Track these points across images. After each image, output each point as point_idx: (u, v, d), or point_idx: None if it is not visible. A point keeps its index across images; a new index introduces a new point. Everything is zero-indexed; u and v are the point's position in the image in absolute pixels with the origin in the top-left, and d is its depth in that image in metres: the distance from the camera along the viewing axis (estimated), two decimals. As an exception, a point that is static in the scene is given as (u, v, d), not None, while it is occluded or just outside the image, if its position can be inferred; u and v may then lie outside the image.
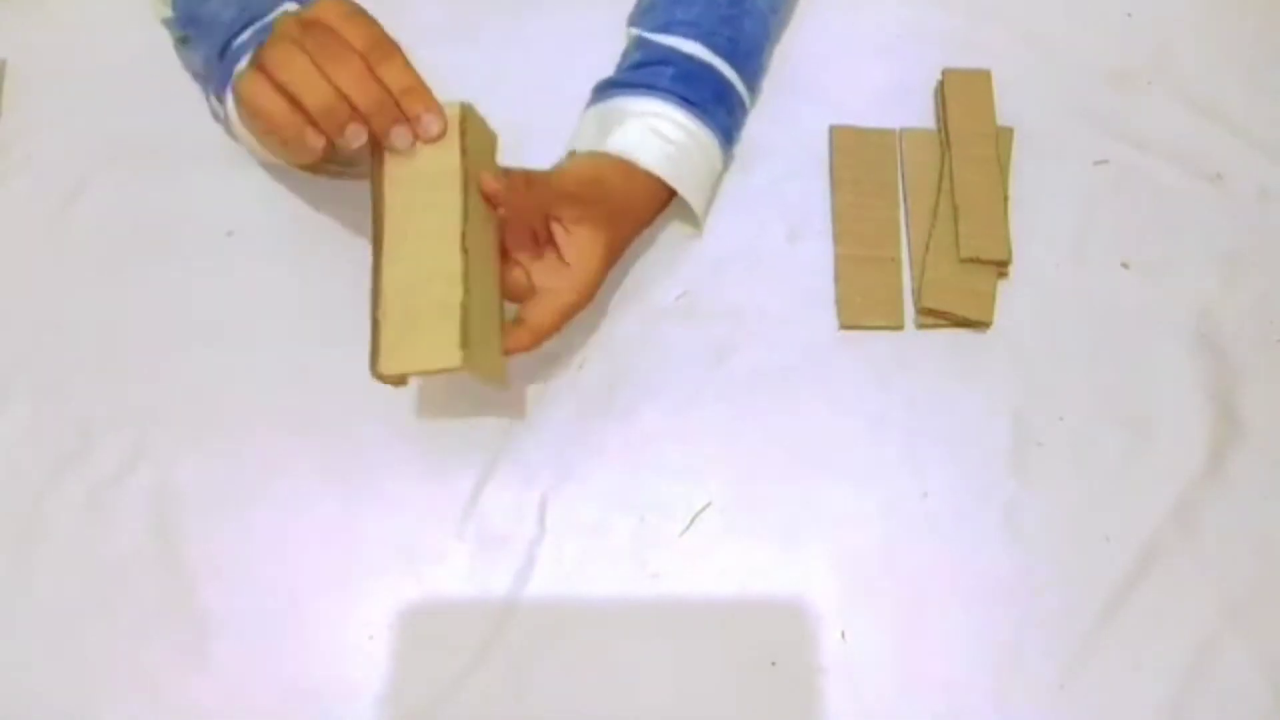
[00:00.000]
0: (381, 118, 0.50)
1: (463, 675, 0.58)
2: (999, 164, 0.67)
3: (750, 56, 0.66)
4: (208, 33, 0.62)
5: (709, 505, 0.61)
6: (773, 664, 0.58)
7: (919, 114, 0.70)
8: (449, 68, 0.70)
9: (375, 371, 0.51)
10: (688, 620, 0.59)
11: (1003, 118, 0.69)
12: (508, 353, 0.56)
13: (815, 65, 0.71)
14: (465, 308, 0.50)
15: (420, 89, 0.51)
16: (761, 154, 0.68)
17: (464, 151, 0.52)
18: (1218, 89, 0.71)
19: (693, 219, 0.65)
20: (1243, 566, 0.60)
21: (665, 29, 0.64)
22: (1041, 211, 0.67)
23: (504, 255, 0.56)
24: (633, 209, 0.62)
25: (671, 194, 0.63)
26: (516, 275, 0.57)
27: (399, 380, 0.52)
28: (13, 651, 0.58)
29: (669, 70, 0.62)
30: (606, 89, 0.64)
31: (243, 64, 0.57)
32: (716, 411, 0.63)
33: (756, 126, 0.69)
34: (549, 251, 0.58)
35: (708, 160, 0.63)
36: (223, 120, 0.62)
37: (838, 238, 0.66)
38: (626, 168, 0.60)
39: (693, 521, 0.61)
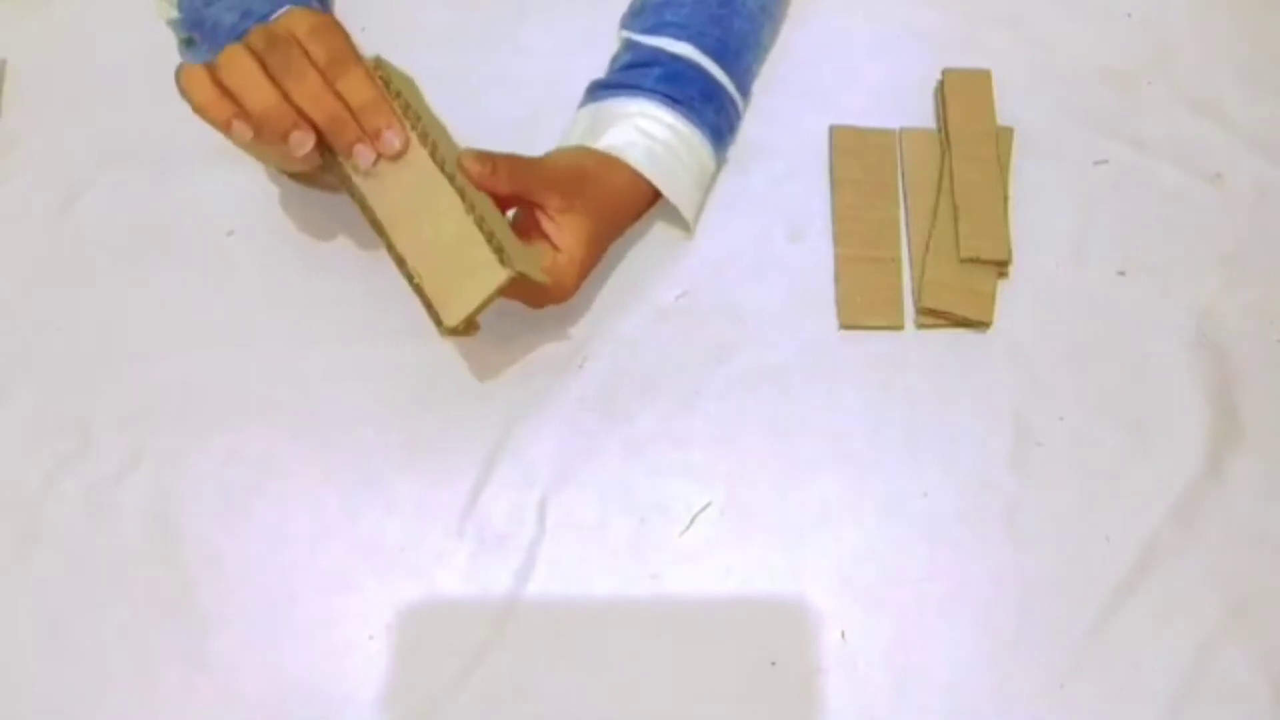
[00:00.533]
0: (338, 133, 0.50)
1: (463, 675, 0.58)
2: (999, 164, 0.67)
3: (740, 56, 0.66)
4: (210, 36, 0.62)
5: (709, 505, 0.61)
6: (773, 664, 0.58)
7: (919, 114, 0.70)
8: (449, 68, 0.70)
9: (444, 329, 0.53)
10: (688, 620, 0.59)
11: (1003, 118, 0.69)
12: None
13: (815, 65, 0.71)
14: (481, 227, 0.52)
15: (379, 104, 0.51)
16: (761, 154, 0.68)
17: (402, 103, 0.53)
18: (1218, 89, 0.71)
19: (682, 220, 0.65)
20: (1243, 566, 0.60)
21: (654, 30, 0.64)
22: (1041, 211, 0.67)
23: None
24: (618, 204, 0.62)
25: (658, 193, 0.63)
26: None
27: (469, 327, 0.53)
28: (13, 651, 0.58)
29: (655, 71, 0.63)
30: (595, 90, 0.64)
31: None
32: (716, 411, 0.63)
33: (756, 126, 0.69)
34: (536, 240, 0.58)
35: (696, 159, 0.63)
36: None
37: (838, 238, 0.66)
38: (611, 163, 0.61)
39: (693, 521, 0.61)
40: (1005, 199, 0.66)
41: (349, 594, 0.59)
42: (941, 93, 0.69)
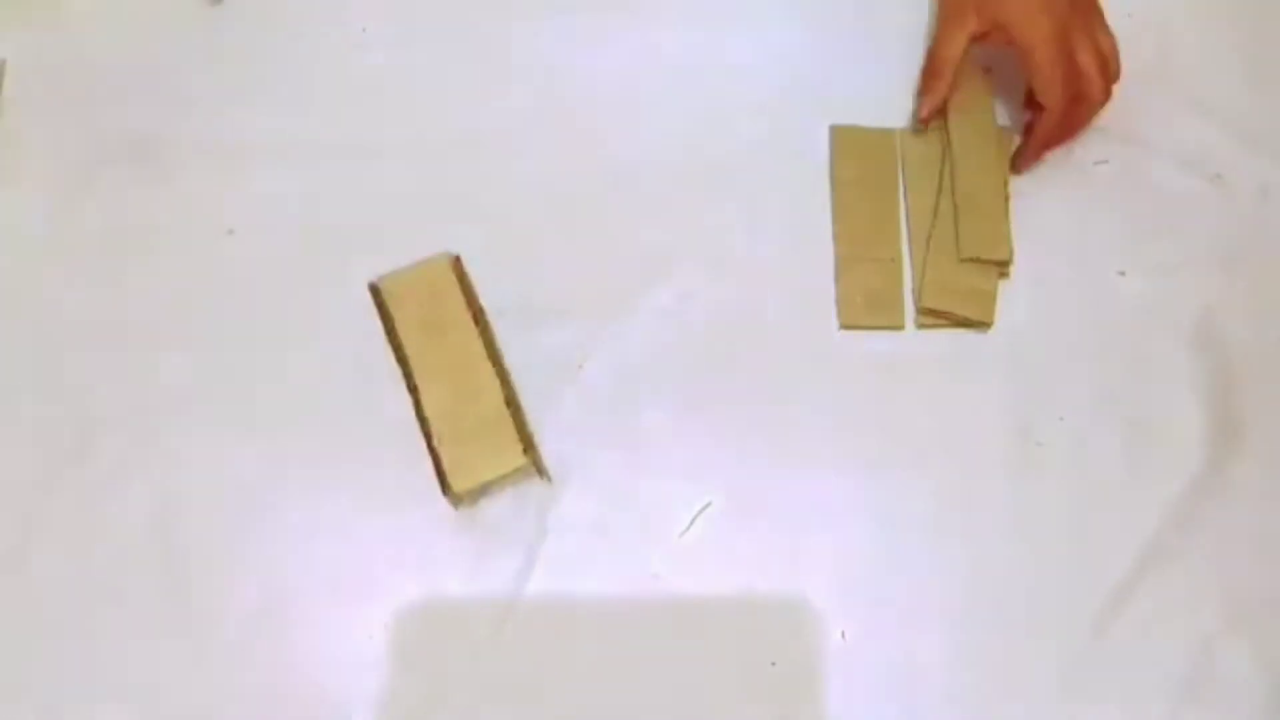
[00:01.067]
0: None
1: (463, 675, 0.58)
2: (999, 164, 0.67)
3: None
4: None
5: (709, 505, 0.61)
6: (773, 664, 0.58)
7: (919, 114, 0.70)
8: (450, 69, 0.70)
9: (450, 493, 0.59)
10: (688, 620, 0.59)
11: (1002, 117, 0.69)
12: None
13: (815, 65, 0.71)
14: (514, 413, 0.59)
15: None
16: (761, 154, 0.68)
17: (465, 292, 0.62)
18: (1218, 89, 0.71)
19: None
20: (1243, 566, 0.60)
21: None
22: (1041, 211, 0.67)
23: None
24: None
25: None
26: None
27: (472, 495, 0.59)
28: (13, 651, 0.58)
29: None
30: None
31: None
32: (716, 411, 0.63)
33: (756, 126, 0.69)
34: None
35: None
36: None
37: (838, 238, 0.66)
38: None
39: (693, 521, 0.61)
40: (1006, 199, 0.66)
41: (349, 594, 0.59)
42: None
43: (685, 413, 0.63)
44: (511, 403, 0.60)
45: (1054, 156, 0.68)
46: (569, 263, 0.66)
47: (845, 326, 0.65)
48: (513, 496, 0.61)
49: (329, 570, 0.60)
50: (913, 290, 0.65)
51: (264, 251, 0.66)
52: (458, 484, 0.58)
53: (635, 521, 0.61)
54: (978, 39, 0.63)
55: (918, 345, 0.64)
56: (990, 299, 0.64)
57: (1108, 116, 0.69)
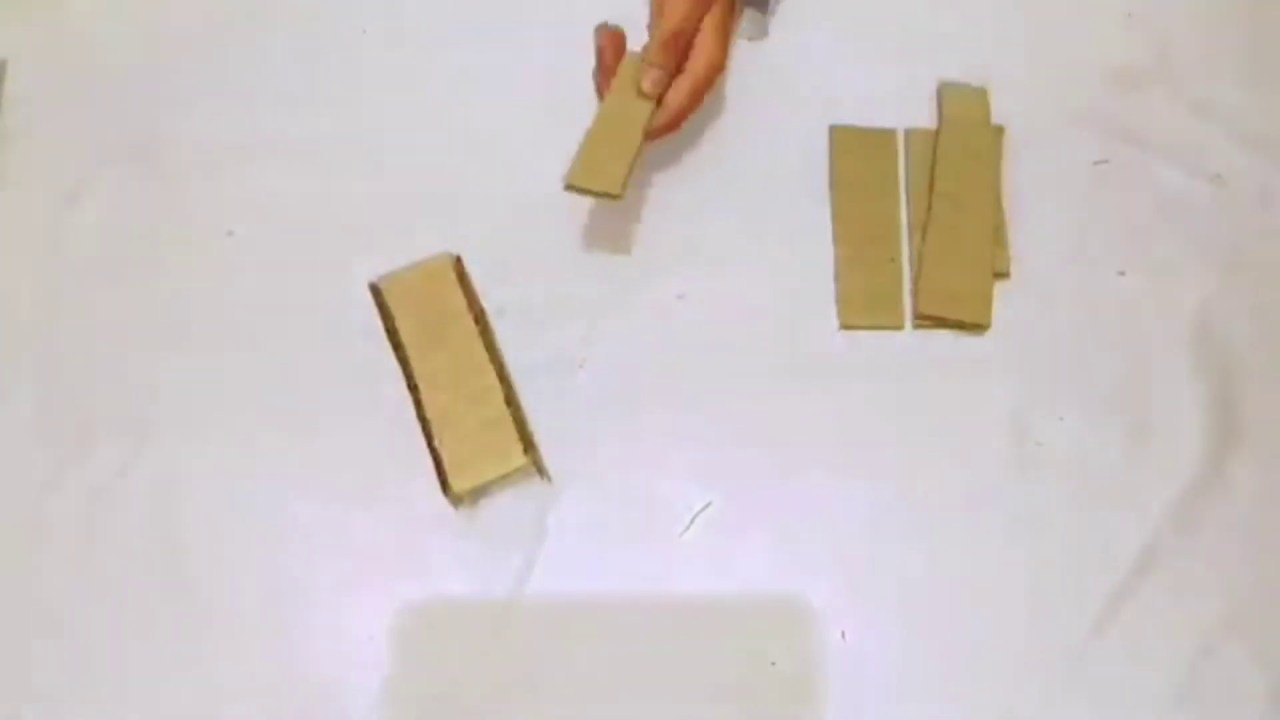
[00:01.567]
0: None
1: (463, 675, 0.58)
2: (993, 173, 0.67)
3: None
4: None
5: (709, 505, 0.61)
6: (773, 664, 0.58)
7: (919, 114, 0.70)
8: (450, 69, 0.70)
9: (450, 493, 0.59)
10: (688, 620, 0.59)
11: (1002, 117, 0.69)
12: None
13: (815, 65, 0.71)
14: (515, 415, 0.59)
15: None
16: (762, 154, 0.68)
17: (465, 292, 0.62)
18: (1218, 89, 0.71)
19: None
20: (1243, 566, 0.60)
21: None
22: (1041, 212, 0.67)
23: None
24: None
25: None
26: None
27: (472, 495, 0.60)
28: (13, 651, 0.58)
29: None
30: None
31: None
32: (717, 411, 0.63)
33: (756, 126, 0.69)
34: None
35: None
36: None
37: (838, 238, 0.66)
38: None
39: (693, 521, 0.61)
40: (999, 206, 0.66)
41: (349, 594, 0.59)
42: (939, 108, 0.69)
43: (685, 413, 0.63)
44: (511, 402, 0.60)
45: (1054, 156, 0.68)
46: (569, 263, 0.66)
47: (845, 326, 0.65)
48: (513, 496, 0.61)
49: (329, 570, 0.60)
50: (911, 293, 0.65)
51: (264, 252, 0.66)
52: (458, 484, 0.58)
53: (635, 521, 0.61)
54: None
55: (917, 345, 0.64)
56: (986, 301, 0.64)
57: (1108, 116, 0.70)
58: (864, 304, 0.65)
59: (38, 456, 0.62)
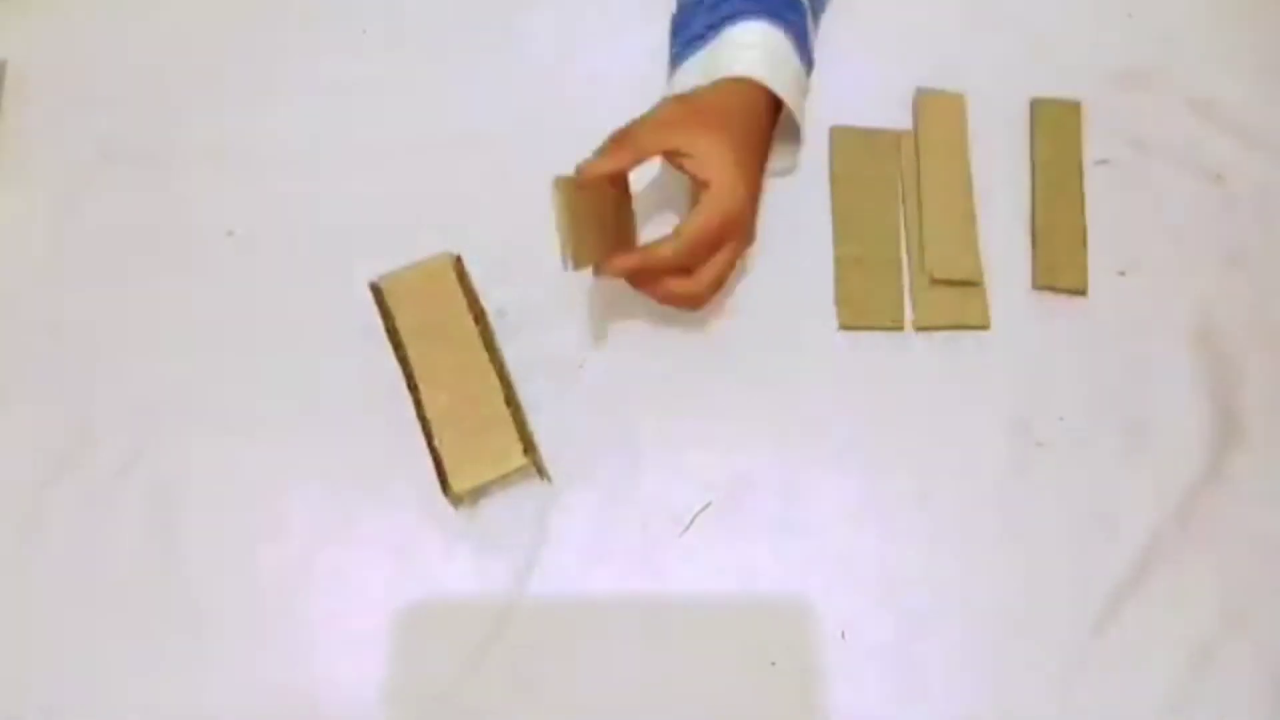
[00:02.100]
0: None
1: (463, 675, 0.58)
2: (968, 185, 0.67)
3: None
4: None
5: (709, 505, 0.61)
6: (773, 664, 0.58)
7: (919, 114, 0.70)
8: (450, 69, 0.70)
9: (450, 493, 0.58)
10: (688, 620, 0.59)
11: (1002, 117, 0.69)
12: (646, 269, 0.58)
13: (816, 65, 0.71)
14: (514, 415, 0.59)
15: None
16: (761, 154, 0.68)
17: (465, 292, 0.62)
18: (1218, 89, 0.71)
19: (791, 129, 0.64)
20: (1243, 566, 0.60)
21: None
22: (1041, 211, 0.67)
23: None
24: (732, 110, 0.60)
25: (769, 97, 0.61)
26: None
27: (472, 495, 0.60)
28: (13, 651, 0.58)
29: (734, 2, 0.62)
30: (680, 52, 0.64)
31: None
32: (716, 411, 0.63)
33: (756, 126, 0.69)
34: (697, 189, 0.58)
35: (788, 59, 0.62)
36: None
37: (838, 238, 0.66)
38: (714, 81, 0.60)
39: (693, 521, 0.61)
40: (974, 219, 0.66)
41: (349, 594, 0.59)
42: (914, 115, 0.69)
43: (685, 413, 0.63)
44: (511, 402, 0.60)
45: (1054, 156, 0.69)
46: (569, 263, 0.66)
47: (845, 326, 0.65)
48: (513, 497, 0.61)
49: (329, 570, 0.60)
50: (910, 295, 0.65)
51: (264, 252, 0.66)
52: (458, 484, 0.58)
53: (635, 521, 0.61)
54: (669, 154, 0.58)
55: (917, 345, 0.64)
56: (982, 303, 0.65)
57: (1108, 116, 0.69)
58: (864, 304, 0.65)
59: (37, 456, 0.62)
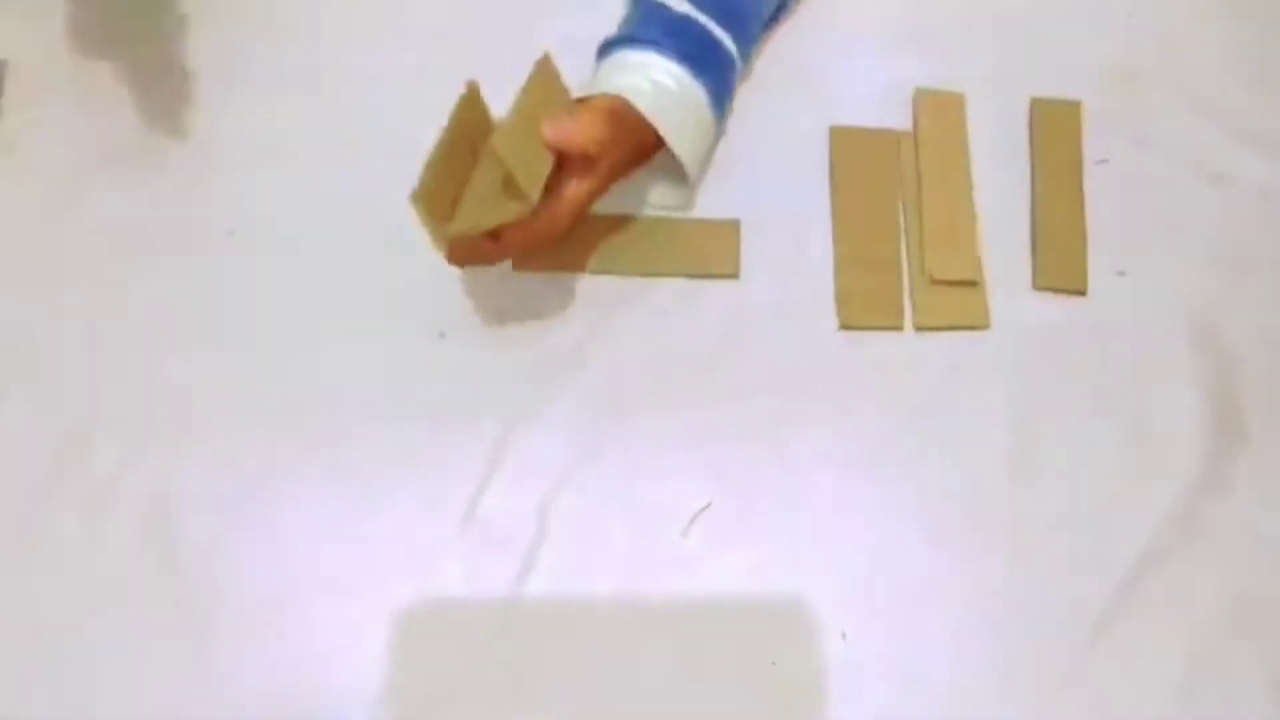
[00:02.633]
0: None
1: (463, 675, 0.58)
2: (968, 185, 0.67)
3: (740, 20, 0.65)
4: None
5: (709, 505, 0.61)
6: (773, 664, 0.58)
7: (919, 114, 0.70)
8: (450, 69, 0.70)
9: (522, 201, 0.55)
10: (687, 621, 0.59)
11: (1002, 117, 0.69)
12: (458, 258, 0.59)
13: (815, 65, 0.71)
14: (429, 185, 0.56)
15: None
16: (761, 154, 0.68)
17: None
18: (1218, 89, 0.71)
19: (675, 193, 0.65)
20: (1243, 567, 0.60)
21: None
22: (1041, 211, 0.67)
23: None
24: (626, 154, 0.62)
25: (657, 145, 0.62)
26: None
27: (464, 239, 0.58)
28: (13, 652, 0.58)
29: (657, 26, 0.63)
30: (602, 48, 0.65)
31: None
32: (716, 411, 0.63)
33: (756, 126, 0.69)
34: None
35: (697, 114, 0.63)
36: None
37: (838, 238, 0.66)
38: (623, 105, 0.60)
39: (693, 522, 0.61)
40: (974, 219, 0.66)
41: (349, 594, 0.59)
42: (914, 113, 0.69)
43: (685, 413, 0.63)
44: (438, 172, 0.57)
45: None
46: (569, 263, 0.66)
47: (845, 326, 0.65)
48: (513, 496, 0.61)
49: (329, 570, 0.60)
50: (910, 295, 0.65)
51: (264, 251, 0.66)
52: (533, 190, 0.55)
53: (635, 522, 0.61)
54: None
55: (917, 345, 0.64)
56: (982, 303, 0.65)
57: (1108, 116, 0.70)
58: (864, 304, 0.65)
59: (37, 457, 0.62)
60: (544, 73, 0.58)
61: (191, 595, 0.59)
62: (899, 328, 0.65)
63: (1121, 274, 0.66)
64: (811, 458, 0.62)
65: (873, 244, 0.66)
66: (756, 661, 0.58)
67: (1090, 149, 0.69)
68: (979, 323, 0.64)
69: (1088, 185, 0.68)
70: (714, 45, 0.64)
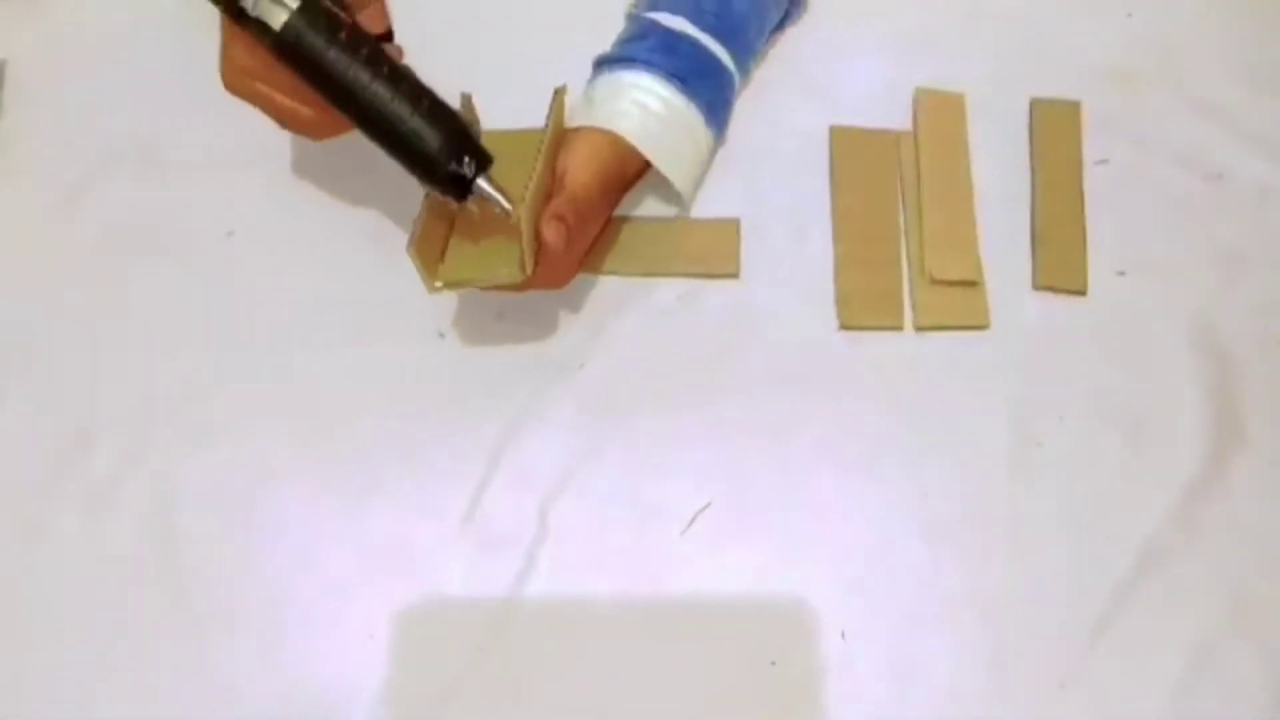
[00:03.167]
0: None
1: (463, 675, 0.58)
2: (968, 185, 0.67)
3: (737, 34, 0.65)
4: None
5: (709, 505, 0.61)
6: (773, 664, 0.58)
7: (919, 114, 0.70)
8: (450, 70, 0.70)
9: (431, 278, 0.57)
10: (688, 620, 0.59)
11: (1002, 117, 0.69)
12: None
13: (815, 65, 0.71)
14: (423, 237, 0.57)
15: None
16: (761, 154, 0.68)
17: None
18: (1218, 89, 0.71)
19: (676, 197, 0.65)
20: (1243, 567, 0.60)
21: (652, 6, 0.64)
22: (1041, 211, 0.67)
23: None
24: (608, 186, 0.62)
25: (648, 165, 0.63)
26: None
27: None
28: (13, 652, 0.58)
29: (649, 42, 0.63)
30: (596, 65, 0.65)
31: None
32: (716, 411, 0.63)
33: (756, 126, 0.69)
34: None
35: (690, 133, 0.63)
36: None
37: (838, 238, 0.66)
38: (607, 137, 0.61)
39: (693, 521, 0.61)
40: (974, 219, 0.66)
41: (349, 594, 0.59)
42: (914, 113, 0.69)
43: (685, 413, 0.63)
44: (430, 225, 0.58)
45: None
46: (569, 263, 0.66)
47: (845, 326, 0.65)
48: (513, 496, 0.61)
49: (329, 570, 0.60)
50: (910, 295, 0.65)
51: (264, 252, 0.66)
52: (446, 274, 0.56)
53: (635, 521, 0.61)
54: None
55: (917, 345, 0.64)
56: (982, 303, 0.65)
57: (1108, 116, 0.69)
58: (864, 304, 0.65)
59: (37, 457, 0.62)
60: (558, 113, 0.61)
61: (191, 595, 0.59)
62: (899, 328, 0.65)
63: (1121, 274, 0.66)
64: (811, 458, 0.62)
65: (873, 244, 0.66)
66: (756, 661, 0.58)
67: (1090, 149, 0.69)
68: (979, 323, 0.64)
69: (1088, 185, 0.68)
70: (710, 61, 0.64)
